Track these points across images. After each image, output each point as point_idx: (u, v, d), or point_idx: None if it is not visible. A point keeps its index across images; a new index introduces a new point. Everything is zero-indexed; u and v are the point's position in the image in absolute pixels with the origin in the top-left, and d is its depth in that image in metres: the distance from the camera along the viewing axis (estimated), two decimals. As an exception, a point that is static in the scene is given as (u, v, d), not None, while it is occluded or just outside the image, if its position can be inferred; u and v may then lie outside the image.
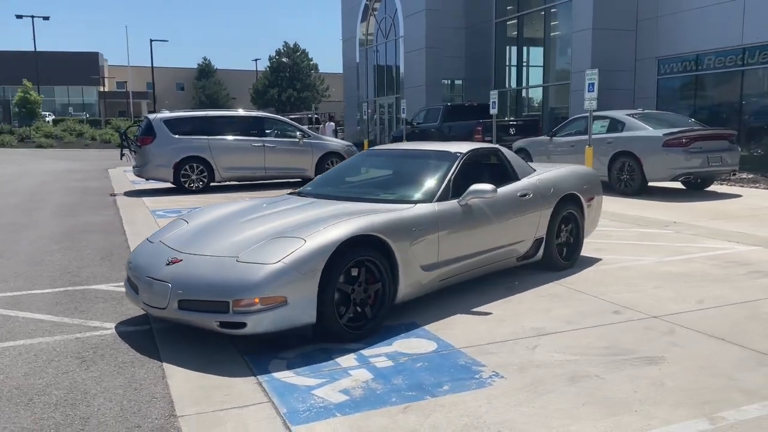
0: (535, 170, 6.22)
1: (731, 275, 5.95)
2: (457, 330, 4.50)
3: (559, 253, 6.17)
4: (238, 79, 76.81)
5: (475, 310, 4.94)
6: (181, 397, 3.44)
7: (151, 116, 14.09)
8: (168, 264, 4.29)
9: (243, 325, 3.87)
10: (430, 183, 5.29)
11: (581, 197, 6.34)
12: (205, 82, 75.59)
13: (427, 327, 4.57)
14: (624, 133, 12.22)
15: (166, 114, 14.29)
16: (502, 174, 5.94)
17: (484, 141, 16.91)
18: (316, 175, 15.33)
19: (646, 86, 20.80)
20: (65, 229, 9.11)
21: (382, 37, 28.93)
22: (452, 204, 5.10)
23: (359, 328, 4.31)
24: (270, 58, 65.87)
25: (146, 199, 12.53)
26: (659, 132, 11.60)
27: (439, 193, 5.14)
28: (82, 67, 68.93)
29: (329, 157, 15.08)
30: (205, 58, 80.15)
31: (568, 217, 6.25)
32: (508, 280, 5.79)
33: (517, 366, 3.83)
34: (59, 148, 37.01)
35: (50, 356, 4.08)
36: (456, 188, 5.22)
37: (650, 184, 11.99)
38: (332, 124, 29.15)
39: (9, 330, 4.62)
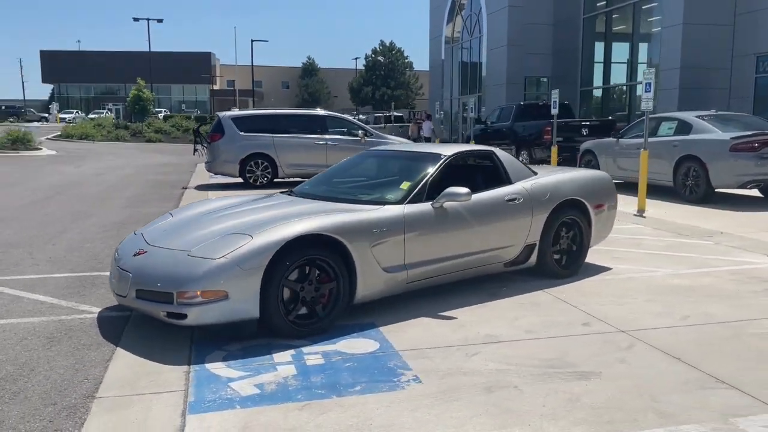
0: (535, 174, 6.07)
1: (742, 292, 5.54)
2: (410, 333, 4.51)
3: (558, 260, 5.99)
4: (339, 77, 78.55)
5: (442, 313, 4.92)
6: (111, 381, 3.70)
7: (221, 114, 14.82)
8: (134, 255, 4.60)
9: (184, 316, 4.10)
10: (405, 185, 5.30)
11: (587, 203, 6.11)
12: (309, 81, 77.97)
13: (382, 328, 4.61)
14: (691, 136, 11.52)
15: (235, 112, 14.97)
16: (494, 177, 5.85)
17: (552, 142, 16.48)
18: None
19: (742, 85, 19.43)
20: (121, 219, 9.82)
21: (467, 35, 28.67)
22: (424, 206, 5.09)
23: (309, 325, 4.43)
24: (366, 57, 67.02)
25: (211, 193, 13.19)
26: (726, 135, 10.85)
27: (412, 195, 5.15)
28: (196, 66, 72.97)
29: (391, 156, 15.22)
30: (309, 57, 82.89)
31: (570, 224, 6.05)
32: (497, 285, 5.70)
33: (442, 372, 3.81)
34: (167, 142, 39.42)
35: (26, 334, 4.50)
36: (434, 190, 5.21)
37: (718, 191, 11.24)
38: (429, 122, 29.23)
39: (9, 309, 5.10)
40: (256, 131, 14.51)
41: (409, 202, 5.08)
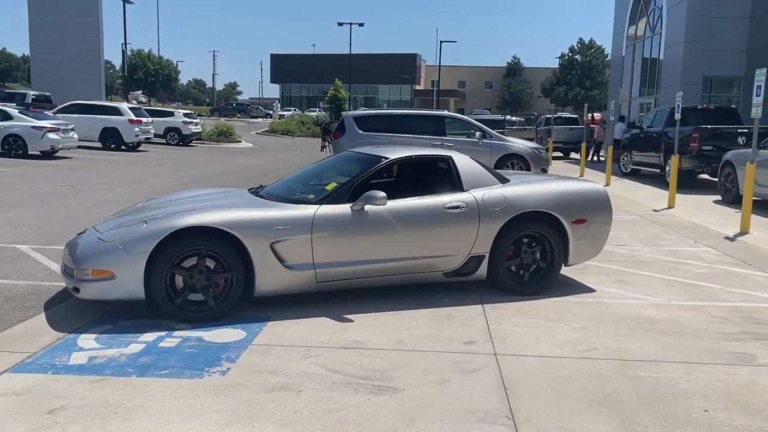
0: (503, 182, 5.73)
1: (706, 333, 4.75)
2: (289, 329, 4.64)
3: (516, 275, 5.61)
4: (544, 77, 76.48)
5: (346, 316, 4.95)
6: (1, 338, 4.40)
7: (345, 113, 15.58)
8: (78, 234, 5.32)
9: (78, 290, 4.69)
10: (331, 186, 5.38)
11: (560, 217, 5.62)
12: (511, 80, 77.00)
13: (271, 322, 4.79)
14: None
15: (357, 112, 15.63)
16: (444, 183, 5.65)
17: (701, 150, 14.74)
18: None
19: None
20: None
21: (649, 31, 26.34)
22: (342, 208, 5.13)
23: (200, 312, 4.77)
24: (561, 56, 64.30)
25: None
26: None
27: (332, 196, 5.22)
28: (402, 67, 75.96)
29: (509, 159, 14.81)
30: (514, 57, 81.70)
31: (538, 238, 5.63)
32: (442, 295, 5.53)
33: (256, 369, 3.92)
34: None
35: (10, 294, 5.42)
36: (361, 193, 5.22)
37: None
38: (621, 124, 27.50)
39: (7, 270, 6.13)
40: (375, 131, 15.02)
41: (327, 203, 5.16)
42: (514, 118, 28.13)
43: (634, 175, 18.52)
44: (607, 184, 16.04)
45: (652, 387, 3.72)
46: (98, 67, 41.59)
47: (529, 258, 5.64)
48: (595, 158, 25.20)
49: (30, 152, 18.76)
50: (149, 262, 4.61)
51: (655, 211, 11.41)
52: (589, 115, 29.00)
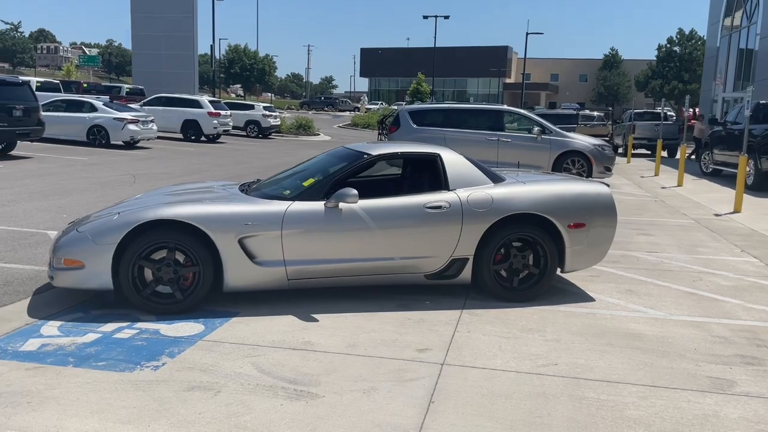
0: (496, 181, 5.43)
1: (697, 353, 4.30)
2: (250, 326, 4.60)
3: (504, 280, 5.31)
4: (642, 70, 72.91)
5: (314, 315, 4.86)
6: (-24, 320, 4.62)
7: (399, 107, 15.41)
8: (69, 222, 5.50)
9: (52, 278, 4.84)
10: (308, 182, 5.27)
11: (555, 221, 5.27)
12: (607, 73, 73.93)
13: (236, 318, 4.77)
14: None
15: (413, 106, 15.43)
16: (430, 181, 5.42)
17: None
18: (551, 174, 14.61)
19: None
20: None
21: (746, 20, 24.40)
22: (315, 205, 5.03)
23: (168, 304, 4.82)
24: (658, 47, 60.73)
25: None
26: None
27: (306, 192, 5.13)
28: (493, 59, 74.66)
29: (569, 156, 14.17)
30: (612, 48, 78.35)
31: (530, 242, 5.30)
32: (424, 298, 5.32)
33: (190, 366, 3.89)
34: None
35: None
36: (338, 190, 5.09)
37: None
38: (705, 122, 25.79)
39: (23, 255, 6.44)
40: (430, 125, 14.77)
41: (301, 199, 5.07)
42: (593, 113, 26.83)
43: (716, 175, 17.25)
44: (679, 185, 15.04)
45: (593, 411, 3.39)
46: (192, 61, 43.45)
47: (519, 263, 5.32)
48: (693, 157, 23.70)
49: (112, 142, 19.82)
50: (117, 253, 4.69)
51: (717, 215, 10.55)
52: (691, 110, 27.23)
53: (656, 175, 17.62)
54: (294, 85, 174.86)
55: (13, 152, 16.20)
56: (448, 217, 5.15)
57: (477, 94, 76.26)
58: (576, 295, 5.55)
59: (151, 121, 20.94)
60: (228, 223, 4.84)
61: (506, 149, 14.28)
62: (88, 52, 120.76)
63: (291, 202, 5.05)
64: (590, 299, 5.46)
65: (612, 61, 75.62)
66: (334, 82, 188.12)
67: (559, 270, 5.44)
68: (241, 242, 4.85)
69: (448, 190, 5.30)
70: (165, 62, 42.23)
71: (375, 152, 5.45)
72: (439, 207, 5.17)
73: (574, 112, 25.09)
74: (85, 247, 4.73)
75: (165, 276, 4.80)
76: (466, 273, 5.26)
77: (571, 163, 14.23)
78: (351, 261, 5.05)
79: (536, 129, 14.34)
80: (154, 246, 4.76)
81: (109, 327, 4.53)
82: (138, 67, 43.20)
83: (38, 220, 8.25)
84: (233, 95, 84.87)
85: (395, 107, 55.46)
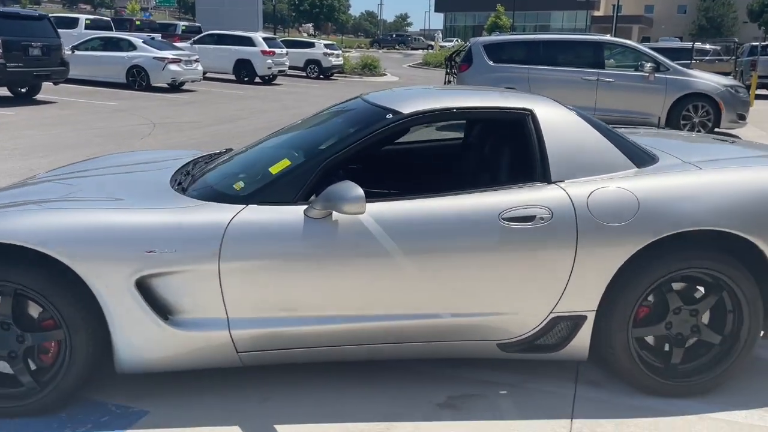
0: (634, 165, 2.82)
1: None
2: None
3: (660, 356, 2.78)
4: (753, -2, 65.19)
5: (281, 426, 2.51)
6: None
7: (473, 40, 12.53)
8: None
9: None
10: (279, 166, 2.81)
11: (760, 244, 2.65)
12: (710, 3, 66.53)
13: (141, 422, 2.49)
14: None
15: (489, 38, 12.54)
16: (514, 165, 2.88)
17: None
18: (665, 125, 11.53)
19: None
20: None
21: None
22: (284, 212, 2.61)
23: (6, 399, 2.57)
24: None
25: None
26: None
27: (274, 187, 2.70)
28: (580, -10, 68.57)
29: (690, 101, 11.05)
30: (716, -25, 70.31)
31: (706, 284, 2.72)
32: (498, 382, 2.87)
33: None
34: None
35: None
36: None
37: None
38: None
39: None
40: (511, 62, 11.87)
41: (261, 201, 2.65)
42: (706, 47, 22.70)
43: None
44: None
45: None
46: (256, -2, 41.11)
47: (685, 323, 2.75)
48: None
49: (153, 84, 17.87)
50: None
51: None
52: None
53: (795, 123, 14.10)
54: (368, 23, 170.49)
55: (39, 96, 14.45)
56: (547, 237, 2.62)
57: (561, 29, 70.41)
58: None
59: (196, 61, 18.83)
60: (113, 249, 2.49)
61: (607, 91, 11.26)
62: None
63: (241, 206, 2.65)
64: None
65: (716, -11, 67.93)
66: (408, 20, 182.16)
67: (762, 334, 2.85)
68: (141, 285, 2.52)
69: (549, 182, 2.73)
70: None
71: (408, 109, 2.87)
72: (531, 218, 2.63)
73: (688, 46, 21.14)
74: None
75: (2, 348, 2.55)
76: (581, 341, 2.74)
77: (692, 109, 11.13)
78: (354, 320, 2.63)
79: (648, 65, 11.21)
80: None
81: None
82: (201, 5, 41.30)
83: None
84: (305, 35, 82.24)
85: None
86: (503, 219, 2.61)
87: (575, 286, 2.64)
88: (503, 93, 3.26)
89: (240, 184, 2.79)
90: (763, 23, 51.80)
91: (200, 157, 3.65)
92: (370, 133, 2.76)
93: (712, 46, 23.39)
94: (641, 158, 2.87)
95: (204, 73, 21.89)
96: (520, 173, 2.81)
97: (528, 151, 2.80)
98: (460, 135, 3.72)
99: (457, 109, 2.87)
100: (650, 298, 2.74)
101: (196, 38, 23.73)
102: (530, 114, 2.86)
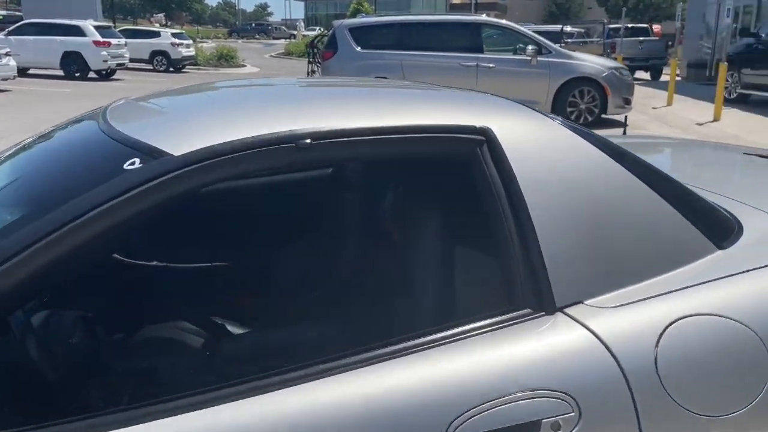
0: (716, 247, 1.31)
1: None
2: None
3: None
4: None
5: None
6: None
7: (336, 23, 10.91)
8: None
9: None
10: None
11: None
12: (559, -10, 69.42)
13: None
14: None
15: (354, 20, 10.99)
16: (456, 276, 1.27)
17: None
18: (552, 111, 10.61)
19: None
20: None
21: None
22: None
23: None
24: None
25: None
26: None
27: None
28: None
29: (576, 86, 10.10)
30: (563, -39, 73.45)
31: None
32: None
33: None
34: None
35: None
36: None
37: None
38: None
39: None
40: (380, 47, 10.36)
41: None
42: (571, 29, 22.46)
43: (742, 102, 13.47)
44: (716, 119, 11.17)
45: None
46: (92, -17, 36.83)
47: None
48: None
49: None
50: None
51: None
52: (679, 24, 23.43)
53: (669, 104, 13.78)
54: (226, 13, 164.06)
55: None
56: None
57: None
58: None
59: (7, 55, 15.76)
60: None
61: (489, 77, 10.00)
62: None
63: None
64: None
65: (562, -24, 70.93)
66: (269, 9, 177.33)
67: None
68: None
69: (551, 309, 1.13)
70: (60, -15, 35.68)
71: (190, 145, 1.13)
72: None
73: (557, 29, 20.78)
74: None
75: None
76: None
77: (578, 94, 10.19)
78: None
79: (530, 48, 10.12)
80: None
81: None
82: (29, -9, 36.39)
83: None
84: (157, 25, 76.62)
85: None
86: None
87: None
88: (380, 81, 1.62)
89: None
90: (609, 8, 54.40)
91: None
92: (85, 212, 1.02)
93: (577, 29, 23.33)
94: (717, 222, 1.36)
95: (25, 69, 18.75)
96: (475, 295, 1.20)
97: (488, 231, 1.18)
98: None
99: (331, 139, 1.17)
100: None
101: (11, 28, 20.29)
102: (484, 140, 1.24)
